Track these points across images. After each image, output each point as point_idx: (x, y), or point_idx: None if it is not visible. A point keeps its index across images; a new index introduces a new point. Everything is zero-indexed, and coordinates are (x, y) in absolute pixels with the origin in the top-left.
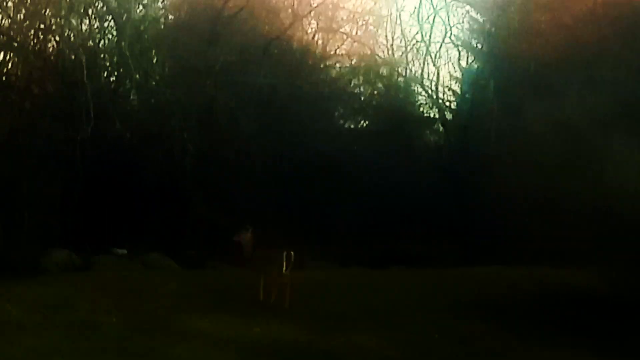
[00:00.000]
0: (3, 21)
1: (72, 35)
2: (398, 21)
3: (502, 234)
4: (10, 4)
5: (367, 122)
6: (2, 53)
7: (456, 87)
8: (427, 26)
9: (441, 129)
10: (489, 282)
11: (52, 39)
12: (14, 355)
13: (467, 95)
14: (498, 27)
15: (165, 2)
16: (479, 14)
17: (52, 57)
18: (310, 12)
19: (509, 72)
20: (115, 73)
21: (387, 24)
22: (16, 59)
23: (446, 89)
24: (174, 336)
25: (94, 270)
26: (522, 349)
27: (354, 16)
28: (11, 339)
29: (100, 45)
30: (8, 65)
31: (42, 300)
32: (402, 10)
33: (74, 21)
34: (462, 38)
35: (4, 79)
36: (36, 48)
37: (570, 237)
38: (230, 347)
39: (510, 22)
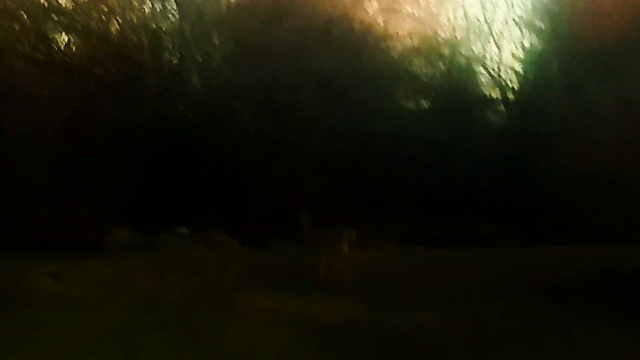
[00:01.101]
0: (66, 4)
1: (134, 17)
2: (460, 1)
3: (564, 214)
4: None
5: (428, 103)
6: (66, 35)
7: (518, 68)
8: (489, 6)
9: (503, 109)
10: (551, 262)
11: (115, 21)
12: (79, 332)
13: (529, 76)
14: (562, 7)
15: None
16: None
17: (115, 39)
18: None
19: (572, 52)
20: (177, 55)
21: (449, 4)
22: (79, 41)
23: (508, 70)
24: (235, 314)
25: (157, 248)
26: (585, 328)
27: None
28: (76, 316)
29: (162, 27)
30: (72, 47)
31: (106, 278)
32: None
33: (136, 3)
34: (525, 18)
35: (67, 61)
36: (99, 30)
37: (633, 216)
38: (291, 324)
39: (573, 1)
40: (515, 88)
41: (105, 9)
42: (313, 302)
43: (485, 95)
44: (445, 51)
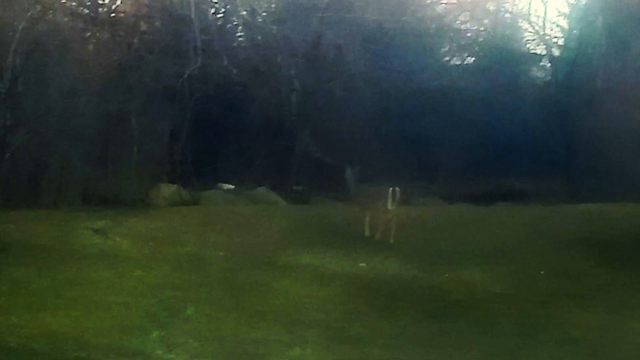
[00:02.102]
0: None
1: None
2: None
3: (608, 171)
4: None
5: (473, 59)
6: None
7: (564, 23)
8: None
9: (548, 65)
10: (595, 219)
11: None
12: (125, 287)
13: (574, 32)
14: None
15: None
16: None
17: None
18: None
19: (617, 7)
20: (223, 10)
21: None
22: None
23: (553, 25)
24: (280, 270)
25: (202, 204)
26: (628, 285)
27: None
28: (121, 271)
29: None
30: (117, 1)
31: (151, 234)
32: None
33: None
34: None
35: (112, 15)
36: None
37: None
38: (336, 281)
39: None
40: (560, 44)
41: None
42: (358, 259)
43: (530, 51)
44: (491, 7)
